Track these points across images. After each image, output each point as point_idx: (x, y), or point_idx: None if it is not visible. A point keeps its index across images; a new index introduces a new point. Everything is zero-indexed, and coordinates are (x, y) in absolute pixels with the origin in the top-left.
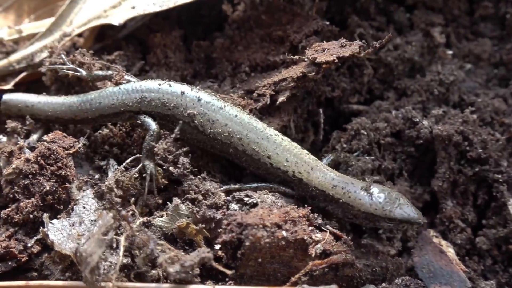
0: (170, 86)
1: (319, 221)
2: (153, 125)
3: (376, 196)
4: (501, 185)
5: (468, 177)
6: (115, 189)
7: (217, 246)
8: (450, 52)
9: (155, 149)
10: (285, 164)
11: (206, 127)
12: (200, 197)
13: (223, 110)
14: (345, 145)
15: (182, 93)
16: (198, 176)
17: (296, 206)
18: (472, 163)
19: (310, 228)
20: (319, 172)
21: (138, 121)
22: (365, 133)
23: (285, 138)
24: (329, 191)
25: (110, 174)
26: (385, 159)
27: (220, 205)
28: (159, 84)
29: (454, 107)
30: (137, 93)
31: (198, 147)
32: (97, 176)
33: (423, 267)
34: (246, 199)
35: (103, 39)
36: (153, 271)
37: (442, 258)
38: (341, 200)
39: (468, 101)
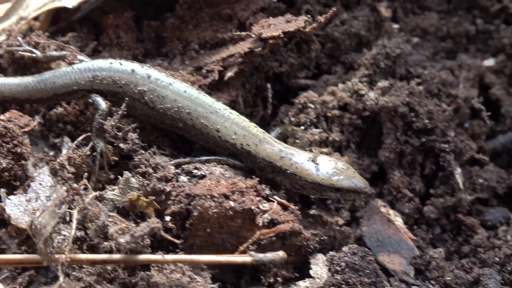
0: (121, 64)
1: (267, 191)
2: (102, 104)
3: (323, 167)
4: (448, 155)
5: (415, 148)
6: (67, 166)
7: (167, 218)
8: (397, 26)
9: (104, 126)
10: (234, 137)
11: (156, 103)
12: (150, 171)
13: (172, 86)
14: (293, 119)
15: (133, 70)
16: (148, 151)
17: (244, 178)
18: (418, 134)
19: (257, 198)
20: (267, 144)
21: (90, 100)
22: (312, 106)
23: (234, 112)
24: (276, 162)
25: (64, 151)
26: (332, 131)
27: (170, 177)
28: (110, 63)
29: (401, 80)
30: (89, 72)
31: (149, 122)
32: (52, 153)
33: (371, 236)
34: (195, 171)
35: (58, 22)
36: (105, 243)
37: (390, 227)
38: (288, 171)
39: (415, 73)
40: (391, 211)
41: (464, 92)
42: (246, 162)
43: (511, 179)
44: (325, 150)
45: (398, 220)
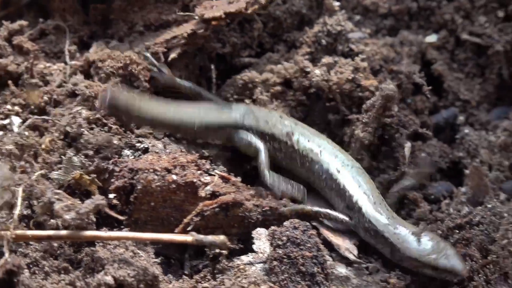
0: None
1: (207, 166)
2: None
3: (424, 243)
4: (392, 129)
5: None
6: (11, 145)
7: (111, 195)
8: (338, 3)
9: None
10: (356, 190)
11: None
12: (91, 153)
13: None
14: (236, 96)
15: (281, 116)
16: (92, 131)
17: (185, 153)
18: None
19: (199, 172)
20: (378, 207)
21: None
22: (255, 84)
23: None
24: (380, 228)
25: (15, 130)
26: (277, 109)
27: (113, 155)
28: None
29: (344, 57)
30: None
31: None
32: (1, 133)
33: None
34: (138, 144)
35: (7, 6)
36: (52, 220)
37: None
38: (389, 240)
39: (356, 50)
40: None
41: (406, 68)
42: (354, 219)
43: (454, 154)
44: (430, 225)
45: None
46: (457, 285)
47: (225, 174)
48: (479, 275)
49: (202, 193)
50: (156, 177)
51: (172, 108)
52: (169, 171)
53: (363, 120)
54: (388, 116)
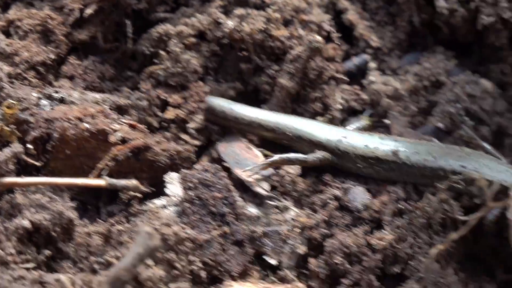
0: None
1: (114, 116)
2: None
3: None
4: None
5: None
6: None
7: (29, 145)
8: None
9: None
10: None
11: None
12: (14, 103)
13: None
14: (152, 49)
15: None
16: (12, 85)
17: (93, 103)
18: (276, 59)
19: (108, 120)
20: None
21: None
22: (170, 37)
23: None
24: None
25: None
26: (191, 59)
27: (31, 107)
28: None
29: (256, 9)
30: None
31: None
32: None
33: (229, 154)
34: (54, 94)
35: None
36: None
37: (248, 152)
38: None
39: (268, 2)
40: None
41: (317, 17)
42: None
43: (363, 98)
44: None
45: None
46: (375, 223)
47: (132, 122)
48: (404, 216)
49: (113, 138)
50: (70, 125)
51: (269, 114)
52: (81, 120)
53: (289, 71)
54: (313, 67)
